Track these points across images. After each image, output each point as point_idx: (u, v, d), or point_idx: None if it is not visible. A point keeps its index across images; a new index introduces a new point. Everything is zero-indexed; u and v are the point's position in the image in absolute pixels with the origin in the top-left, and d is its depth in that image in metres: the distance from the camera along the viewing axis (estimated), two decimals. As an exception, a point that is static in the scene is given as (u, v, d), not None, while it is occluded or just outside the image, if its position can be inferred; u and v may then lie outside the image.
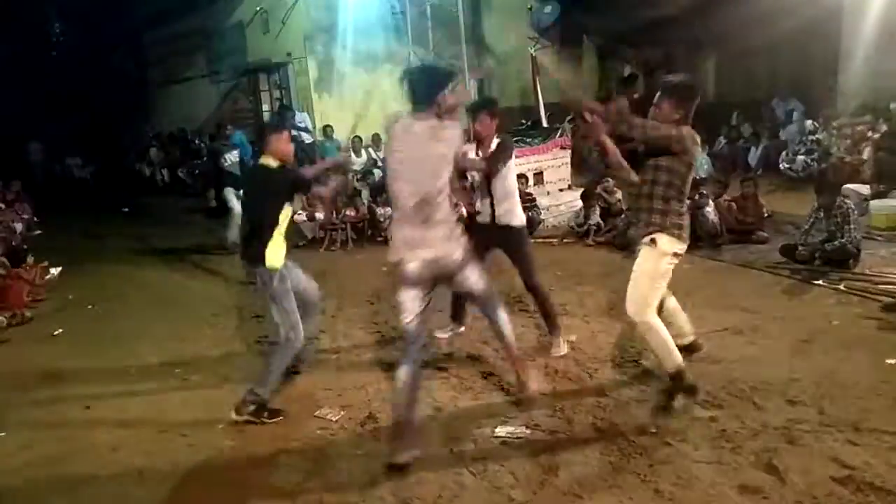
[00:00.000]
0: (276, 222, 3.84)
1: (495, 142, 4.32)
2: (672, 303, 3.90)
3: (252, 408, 3.85)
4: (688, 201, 3.56)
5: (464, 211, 4.34)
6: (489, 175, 4.26)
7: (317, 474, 3.33)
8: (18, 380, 4.91)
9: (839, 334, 4.46)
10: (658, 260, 3.45)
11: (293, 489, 3.23)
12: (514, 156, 4.46)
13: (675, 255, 3.47)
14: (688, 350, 3.89)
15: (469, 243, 3.32)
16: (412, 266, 3.21)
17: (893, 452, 3.07)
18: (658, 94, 3.50)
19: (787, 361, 4.12)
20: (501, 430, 3.56)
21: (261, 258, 3.81)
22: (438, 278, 3.31)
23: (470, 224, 4.20)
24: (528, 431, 3.55)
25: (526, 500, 2.98)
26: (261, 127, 4.24)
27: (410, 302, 3.27)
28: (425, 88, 3.15)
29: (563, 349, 4.51)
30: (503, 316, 3.60)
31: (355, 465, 3.39)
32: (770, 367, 4.04)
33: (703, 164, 10.38)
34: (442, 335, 4.93)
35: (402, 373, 3.30)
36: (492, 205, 4.35)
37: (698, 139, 3.46)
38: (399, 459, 3.24)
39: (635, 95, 12.74)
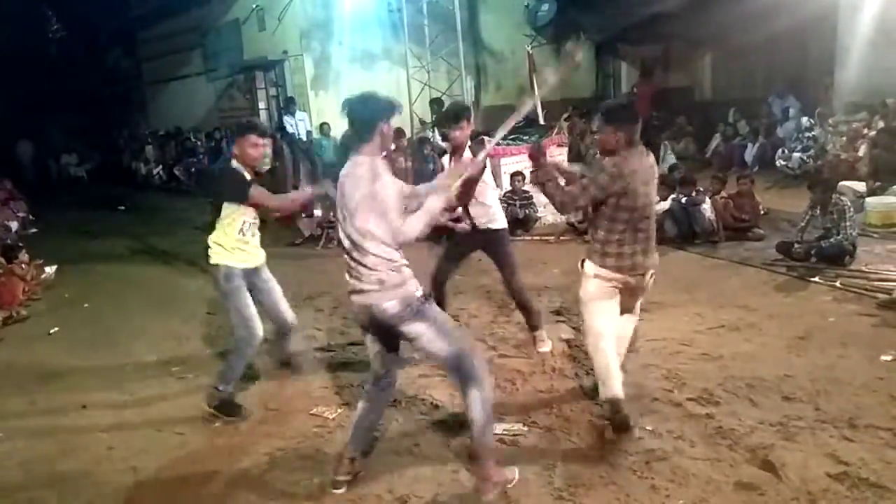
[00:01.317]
0: (215, 220, 3.86)
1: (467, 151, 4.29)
2: (629, 331, 3.71)
3: (216, 403, 3.93)
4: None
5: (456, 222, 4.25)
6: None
7: (313, 472, 3.33)
8: (14, 378, 4.90)
9: (835, 331, 4.47)
10: (584, 282, 3.43)
11: (289, 487, 3.23)
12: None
13: (597, 276, 3.34)
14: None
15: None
16: (354, 309, 3.02)
17: (889, 448, 3.08)
18: (597, 119, 3.50)
19: (783, 358, 4.13)
20: (498, 428, 3.55)
21: (210, 255, 3.88)
22: (377, 328, 2.98)
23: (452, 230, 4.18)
24: (525, 429, 3.54)
25: (523, 497, 2.98)
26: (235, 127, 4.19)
27: (370, 341, 3.07)
28: (368, 118, 2.88)
29: (548, 345, 4.55)
30: (475, 395, 2.89)
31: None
32: (766, 363, 4.05)
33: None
34: None
35: (359, 405, 3.20)
36: (466, 209, 4.35)
37: (631, 167, 3.22)
38: (337, 479, 3.14)
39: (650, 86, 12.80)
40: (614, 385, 3.38)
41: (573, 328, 4.90)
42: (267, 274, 4.09)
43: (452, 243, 4.62)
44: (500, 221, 4.44)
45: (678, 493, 2.90)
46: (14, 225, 10.40)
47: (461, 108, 4.48)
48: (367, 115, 2.88)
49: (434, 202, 2.89)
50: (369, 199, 2.79)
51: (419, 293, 2.90)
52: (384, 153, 3.00)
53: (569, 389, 3.98)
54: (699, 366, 4.10)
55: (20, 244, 8.00)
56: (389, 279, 2.83)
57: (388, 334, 2.98)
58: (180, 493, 3.30)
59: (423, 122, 11.52)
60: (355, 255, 2.87)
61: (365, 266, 2.84)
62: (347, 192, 2.85)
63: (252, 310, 3.91)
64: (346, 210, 2.86)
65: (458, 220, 4.11)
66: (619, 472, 3.09)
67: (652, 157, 3.41)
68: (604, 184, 3.20)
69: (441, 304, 4.86)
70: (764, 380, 3.83)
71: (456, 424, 3.63)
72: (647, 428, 3.43)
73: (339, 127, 11.44)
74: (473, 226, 4.36)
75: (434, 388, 4.12)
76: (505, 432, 3.51)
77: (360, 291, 2.88)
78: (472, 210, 4.32)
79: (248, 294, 3.91)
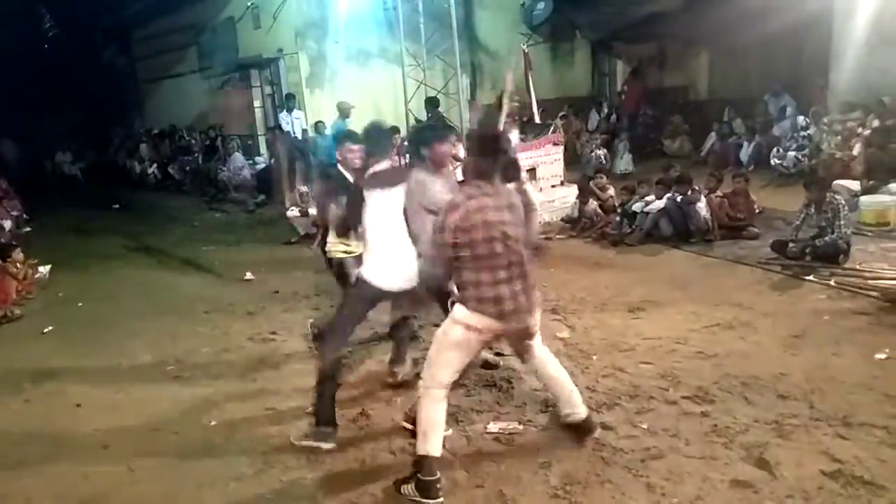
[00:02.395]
0: None
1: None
2: (551, 370, 3.34)
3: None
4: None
5: None
6: None
7: (309, 471, 3.33)
8: (8, 377, 4.87)
9: (829, 329, 4.48)
10: (450, 327, 3.00)
11: (285, 486, 3.23)
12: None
13: (470, 327, 2.93)
14: (578, 430, 3.34)
15: None
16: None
17: (883, 446, 3.09)
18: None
19: (777, 356, 4.15)
20: (494, 427, 3.57)
21: None
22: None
23: None
24: (521, 427, 3.55)
25: (519, 496, 2.98)
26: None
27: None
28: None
29: None
30: None
31: (348, 461, 3.38)
32: (761, 362, 4.07)
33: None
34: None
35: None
36: None
37: (461, 210, 2.86)
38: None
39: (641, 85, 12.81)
40: (435, 445, 2.99)
41: (568, 327, 4.90)
42: None
43: None
44: None
45: (673, 492, 2.91)
46: (8, 224, 10.35)
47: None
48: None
49: None
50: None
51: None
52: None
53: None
54: (694, 364, 4.11)
55: (14, 243, 7.97)
56: None
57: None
58: (177, 492, 3.29)
59: (418, 121, 11.50)
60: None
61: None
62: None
63: None
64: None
65: None
66: (614, 471, 3.10)
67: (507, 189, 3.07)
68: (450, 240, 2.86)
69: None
70: (759, 378, 3.84)
71: (449, 423, 3.64)
72: (643, 426, 3.44)
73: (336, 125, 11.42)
74: None
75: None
76: (501, 431, 3.52)
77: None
78: None
79: None
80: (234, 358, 4.90)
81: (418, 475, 2.94)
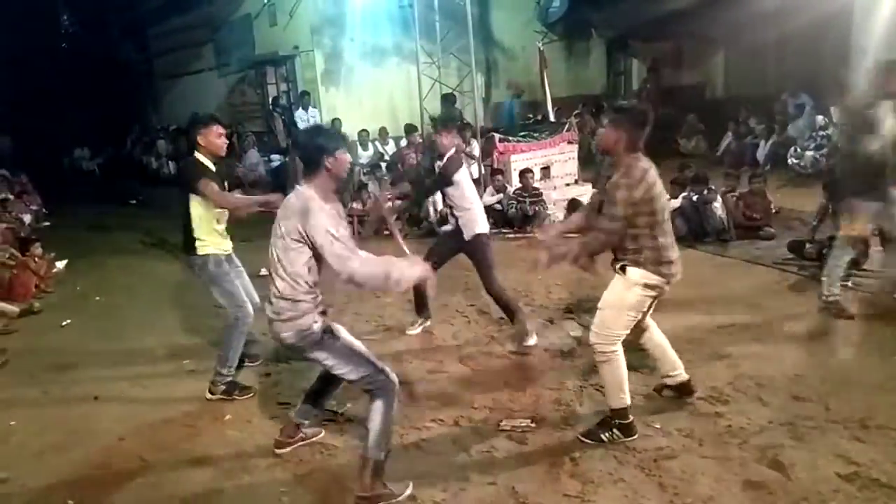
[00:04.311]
0: (187, 212, 4.06)
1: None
2: (657, 336, 3.60)
3: (223, 388, 4.15)
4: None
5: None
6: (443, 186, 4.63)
7: (321, 467, 3.35)
8: (28, 369, 4.96)
9: (846, 331, 4.44)
10: (626, 290, 3.22)
11: (297, 480, 3.25)
12: (464, 167, 4.71)
13: (648, 286, 3.18)
14: (679, 391, 3.64)
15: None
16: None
17: (900, 449, 3.06)
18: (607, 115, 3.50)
19: (793, 358, 4.11)
20: (506, 424, 3.57)
21: (189, 248, 4.10)
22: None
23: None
24: (533, 425, 3.55)
25: (531, 494, 2.98)
26: (190, 121, 4.39)
27: None
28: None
29: (534, 339, 4.61)
30: (377, 406, 2.92)
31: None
32: (776, 363, 4.03)
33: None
34: (412, 331, 5.03)
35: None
36: (453, 214, 4.69)
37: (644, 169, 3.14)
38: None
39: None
40: (627, 396, 3.33)
41: (582, 325, 4.89)
42: (237, 260, 4.33)
43: (440, 240, 5.07)
44: (480, 226, 4.62)
45: (687, 492, 2.90)
46: (27, 218, 10.50)
47: (446, 118, 4.72)
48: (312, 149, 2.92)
49: (396, 270, 2.82)
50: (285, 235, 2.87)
51: (317, 326, 2.96)
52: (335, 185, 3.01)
53: (577, 386, 3.97)
54: (708, 364, 4.08)
55: (34, 237, 8.08)
56: (291, 313, 2.93)
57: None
58: (190, 484, 3.33)
59: (433, 119, 11.52)
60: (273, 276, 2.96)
61: (273, 296, 2.97)
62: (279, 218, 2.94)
63: (240, 290, 4.18)
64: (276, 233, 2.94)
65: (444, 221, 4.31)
66: (627, 470, 3.09)
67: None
68: (626, 198, 3.05)
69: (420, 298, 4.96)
70: (774, 379, 3.81)
71: (463, 420, 3.65)
72: (656, 426, 3.43)
73: (351, 123, 11.47)
74: (456, 228, 4.64)
75: (442, 382, 4.13)
76: (513, 428, 3.52)
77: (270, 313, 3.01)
78: (456, 213, 4.60)
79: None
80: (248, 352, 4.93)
81: (618, 421, 3.31)
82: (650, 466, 3.10)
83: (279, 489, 3.19)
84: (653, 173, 3.12)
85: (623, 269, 3.20)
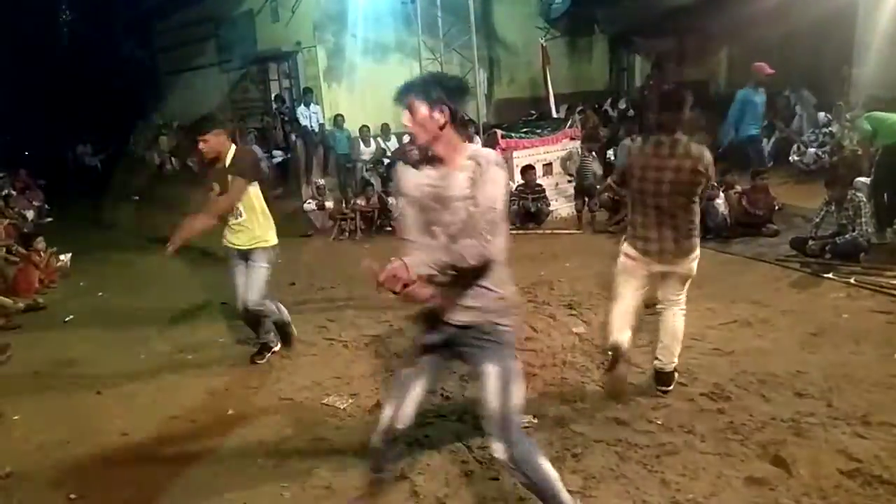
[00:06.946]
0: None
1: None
2: (676, 324, 3.75)
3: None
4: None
5: None
6: None
7: (325, 461, 3.36)
8: (31, 364, 4.97)
9: (849, 328, 4.43)
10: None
11: (302, 476, 3.26)
12: None
13: (627, 255, 3.67)
14: (659, 379, 3.77)
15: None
16: None
17: (902, 446, 3.06)
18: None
19: (795, 354, 4.11)
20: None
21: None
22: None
23: None
24: (536, 421, 3.55)
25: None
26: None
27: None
28: None
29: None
30: None
31: (363, 452, 3.40)
32: (778, 359, 4.03)
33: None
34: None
35: None
36: None
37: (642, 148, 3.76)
38: None
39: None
40: (614, 333, 3.63)
41: (584, 322, 4.89)
42: (255, 258, 4.50)
43: None
44: None
45: (688, 488, 2.90)
46: (30, 214, 10.52)
47: None
48: None
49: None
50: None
51: None
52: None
53: (579, 382, 3.98)
54: (711, 361, 4.08)
55: (36, 233, 8.10)
56: None
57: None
58: (194, 480, 3.34)
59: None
60: None
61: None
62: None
63: (236, 285, 4.46)
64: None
65: None
66: (629, 466, 3.09)
67: (686, 150, 3.51)
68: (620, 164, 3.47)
69: None
70: (776, 376, 3.81)
71: (465, 415, 3.65)
72: (658, 422, 3.43)
73: (353, 119, 11.46)
74: None
75: (445, 379, 4.13)
76: (515, 424, 3.52)
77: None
78: None
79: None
80: (251, 348, 4.94)
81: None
82: (652, 462, 3.10)
83: (280, 484, 3.20)
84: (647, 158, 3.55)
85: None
